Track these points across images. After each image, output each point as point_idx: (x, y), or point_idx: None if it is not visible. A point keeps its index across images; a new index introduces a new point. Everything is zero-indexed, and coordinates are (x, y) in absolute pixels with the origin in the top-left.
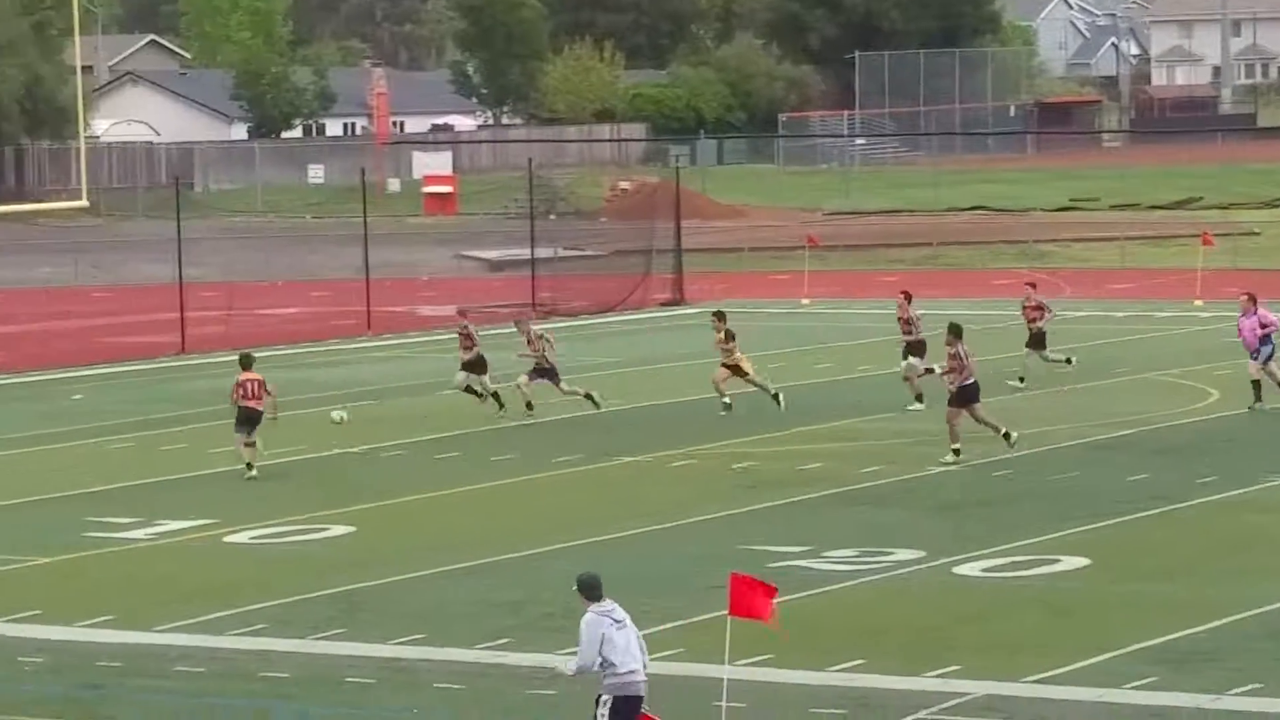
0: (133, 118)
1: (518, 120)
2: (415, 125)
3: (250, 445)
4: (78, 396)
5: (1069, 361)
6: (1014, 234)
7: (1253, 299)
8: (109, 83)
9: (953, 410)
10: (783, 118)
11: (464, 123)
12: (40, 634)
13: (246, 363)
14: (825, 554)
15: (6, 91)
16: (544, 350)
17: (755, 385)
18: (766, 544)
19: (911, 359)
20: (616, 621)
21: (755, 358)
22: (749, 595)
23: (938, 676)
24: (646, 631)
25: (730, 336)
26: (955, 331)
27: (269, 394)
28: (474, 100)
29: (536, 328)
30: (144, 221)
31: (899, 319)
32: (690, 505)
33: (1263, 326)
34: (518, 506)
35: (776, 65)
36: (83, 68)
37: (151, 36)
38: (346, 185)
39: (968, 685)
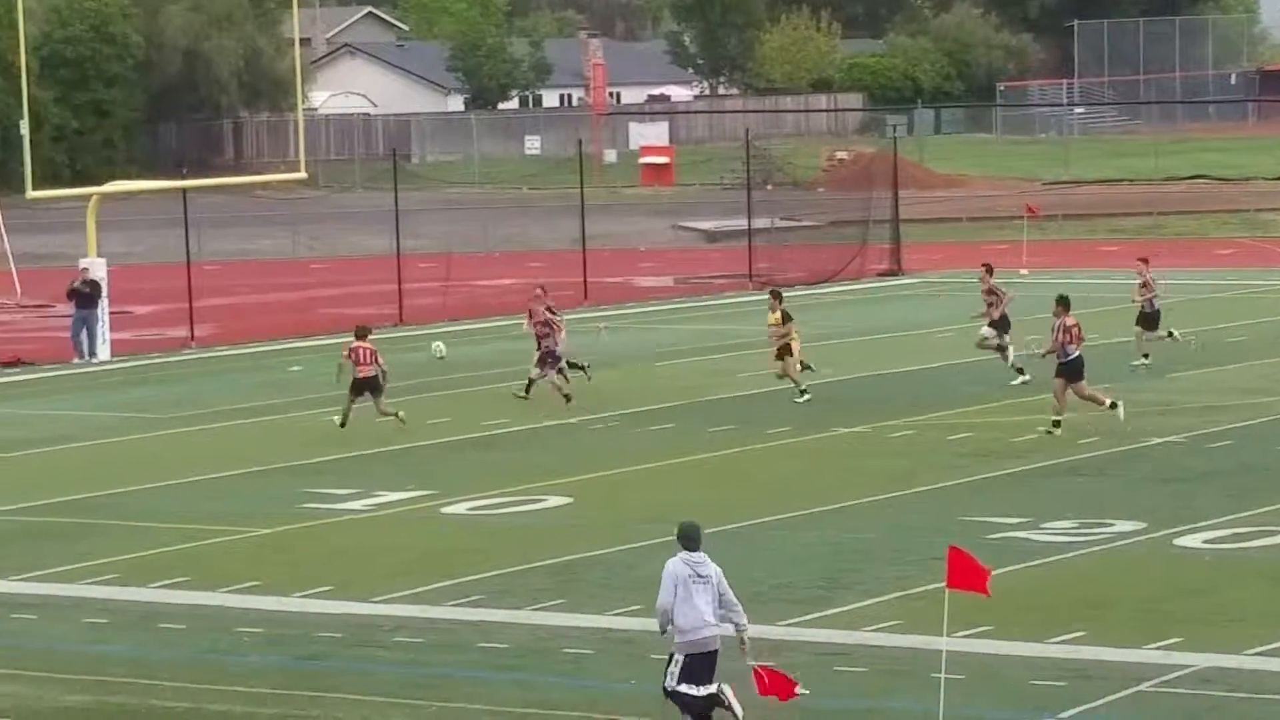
0: (350, 90)
1: (734, 90)
2: (631, 96)
3: (387, 414)
4: (296, 368)
5: (1170, 335)
6: (1236, 203)
7: None
8: (326, 55)
9: (1059, 383)
10: (1001, 87)
11: (680, 93)
12: (259, 605)
13: (361, 334)
14: (1044, 525)
15: (225, 64)
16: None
17: (788, 376)
18: (985, 515)
19: (985, 330)
20: (701, 576)
21: (971, 329)
22: (967, 567)
23: (1159, 649)
24: (866, 603)
25: (787, 318)
26: (1063, 303)
27: (379, 364)
28: (690, 70)
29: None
30: (361, 193)
31: (983, 291)
32: (908, 476)
33: None
34: (734, 478)
35: (995, 34)
36: (301, 40)
37: (369, 8)
38: (563, 156)
39: (1189, 657)
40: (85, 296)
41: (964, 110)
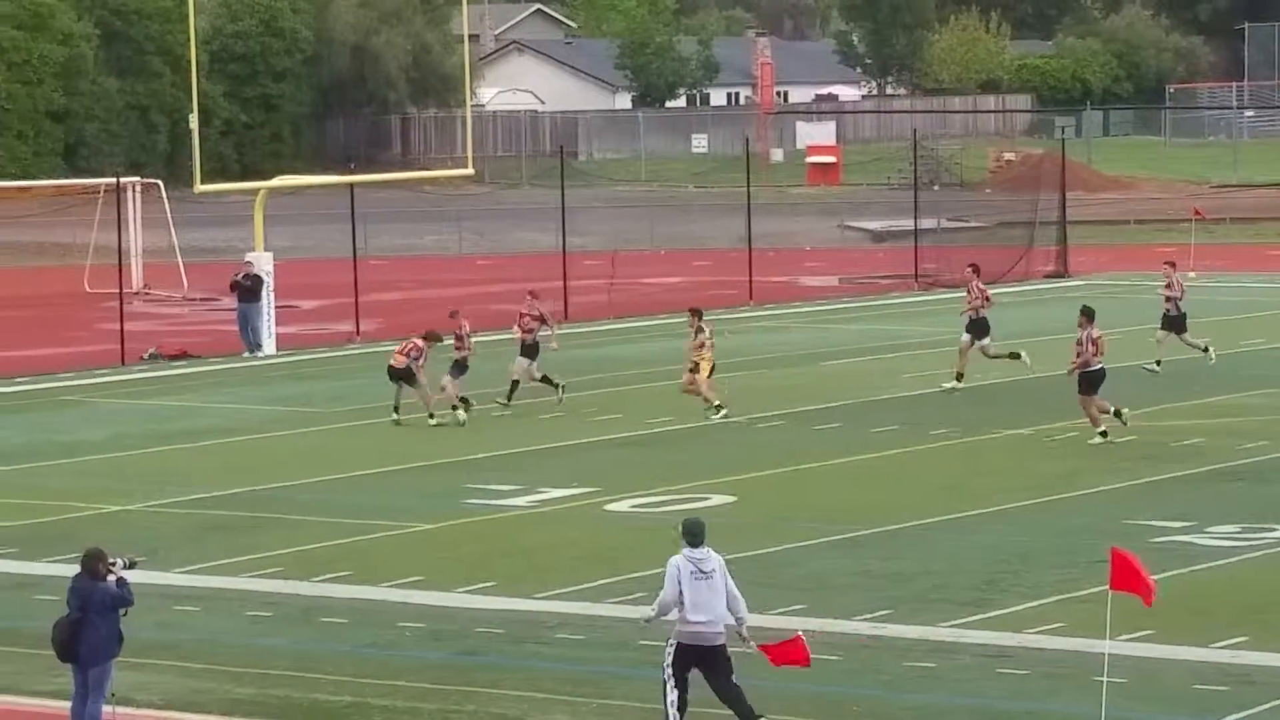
0: (518, 86)
1: (902, 90)
2: (799, 95)
3: (464, 403)
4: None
5: (1206, 350)
6: None
7: None
8: (495, 51)
9: (1084, 399)
10: (1170, 89)
11: (848, 93)
12: (421, 600)
13: (429, 337)
14: (1208, 530)
15: (393, 60)
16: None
17: (697, 392)
18: (1149, 519)
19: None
20: (704, 573)
21: (1137, 332)
22: (1130, 570)
23: None
24: (1028, 605)
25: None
26: (1087, 314)
27: (414, 360)
28: (858, 70)
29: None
30: (528, 190)
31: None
32: (1071, 478)
33: None
34: (897, 478)
35: (1165, 36)
36: (469, 36)
37: (537, 5)
38: (730, 155)
39: None
40: (247, 290)
41: (1133, 112)
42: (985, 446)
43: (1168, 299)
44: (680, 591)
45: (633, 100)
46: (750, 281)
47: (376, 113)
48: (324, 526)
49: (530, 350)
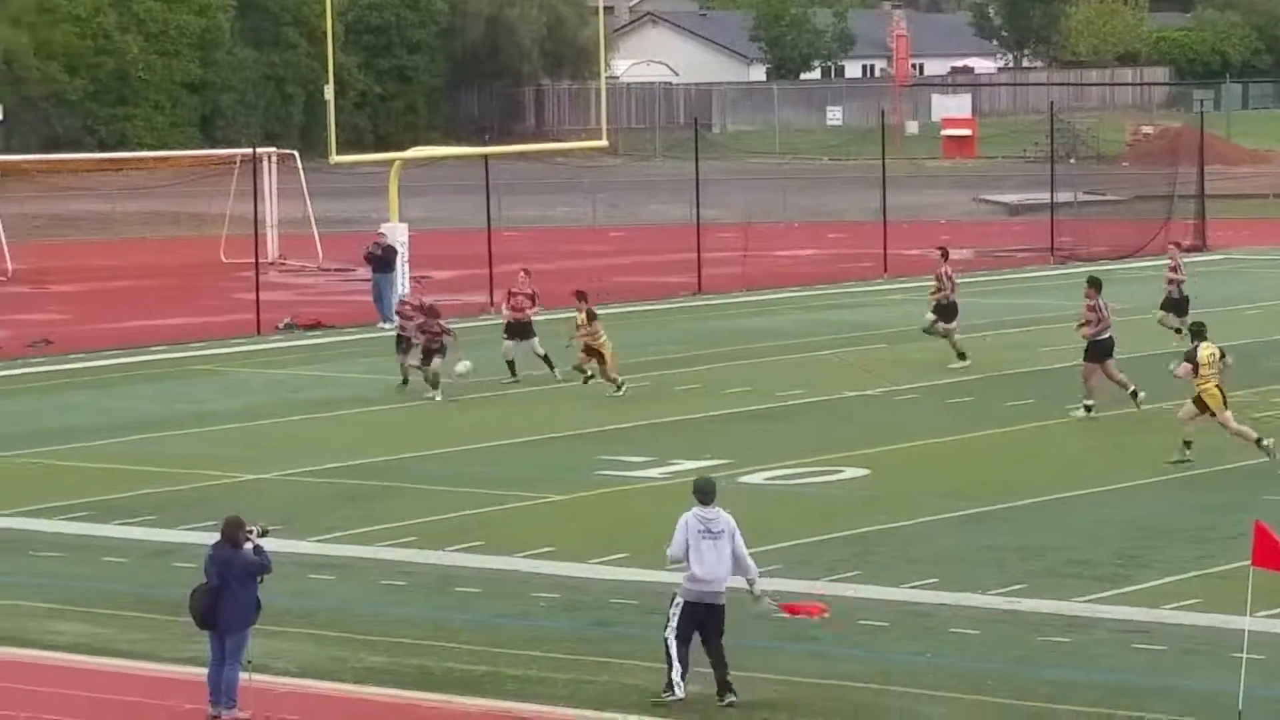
0: (652, 58)
1: (1038, 63)
2: (934, 67)
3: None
4: None
5: (1178, 331)
6: None
7: None
8: (629, 23)
9: (1088, 366)
10: None
11: (983, 65)
12: (554, 570)
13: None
14: None
15: (527, 33)
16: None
17: (604, 376)
18: None
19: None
20: (712, 533)
21: (1271, 308)
22: (1273, 546)
23: None
24: (1165, 581)
25: (592, 318)
26: (1094, 284)
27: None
28: (994, 43)
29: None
30: (661, 162)
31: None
32: (1210, 453)
33: None
34: (1032, 452)
35: None
36: (604, 8)
37: None
38: (864, 127)
39: None
40: (381, 261)
41: (1273, 85)
42: (1120, 421)
43: (1170, 281)
44: (687, 549)
45: (767, 72)
46: (885, 254)
47: (510, 84)
48: (456, 496)
49: (519, 330)
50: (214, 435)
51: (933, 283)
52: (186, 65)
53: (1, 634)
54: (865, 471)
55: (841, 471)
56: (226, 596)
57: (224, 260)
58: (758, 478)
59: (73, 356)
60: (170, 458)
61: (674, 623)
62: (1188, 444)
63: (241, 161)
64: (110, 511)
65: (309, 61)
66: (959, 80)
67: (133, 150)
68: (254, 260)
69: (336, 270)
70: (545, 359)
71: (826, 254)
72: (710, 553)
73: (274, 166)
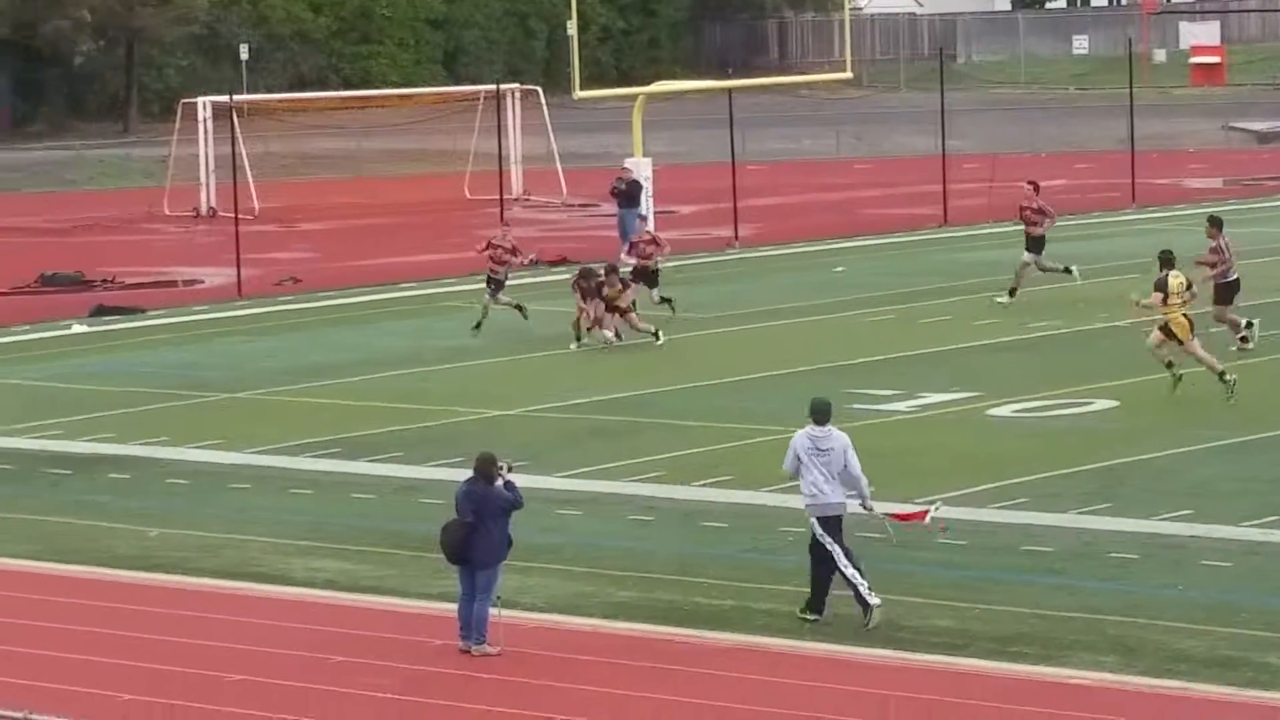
0: None
1: None
2: None
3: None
4: (840, 269)
5: (1068, 271)
6: None
7: None
8: None
9: (1219, 308)
10: None
11: None
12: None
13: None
14: None
15: None
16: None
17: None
18: None
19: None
20: (820, 450)
21: None
22: None
23: None
24: None
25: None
26: (1216, 223)
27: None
28: None
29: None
30: (906, 93)
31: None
32: None
33: None
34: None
35: None
36: None
37: None
38: (1111, 56)
39: None
40: (626, 196)
41: None
42: None
43: (1031, 223)
44: (801, 467)
45: (1012, 2)
46: (1133, 184)
47: (753, 17)
48: (705, 431)
49: (497, 284)
50: (463, 371)
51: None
52: (430, 2)
53: (261, 571)
54: (1115, 403)
55: (1091, 403)
56: (480, 532)
57: (468, 197)
58: (1006, 410)
59: (320, 294)
60: (419, 394)
61: (820, 535)
62: (1169, 365)
63: (485, 98)
64: (360, 448)
65: None
66: (1208, 7)
67: (377, 88)
68: (498, 196)
69: (580, 205)
70: (519, 307)
71: (1074, 184)
72: (818, 470)
73: (517, 103)
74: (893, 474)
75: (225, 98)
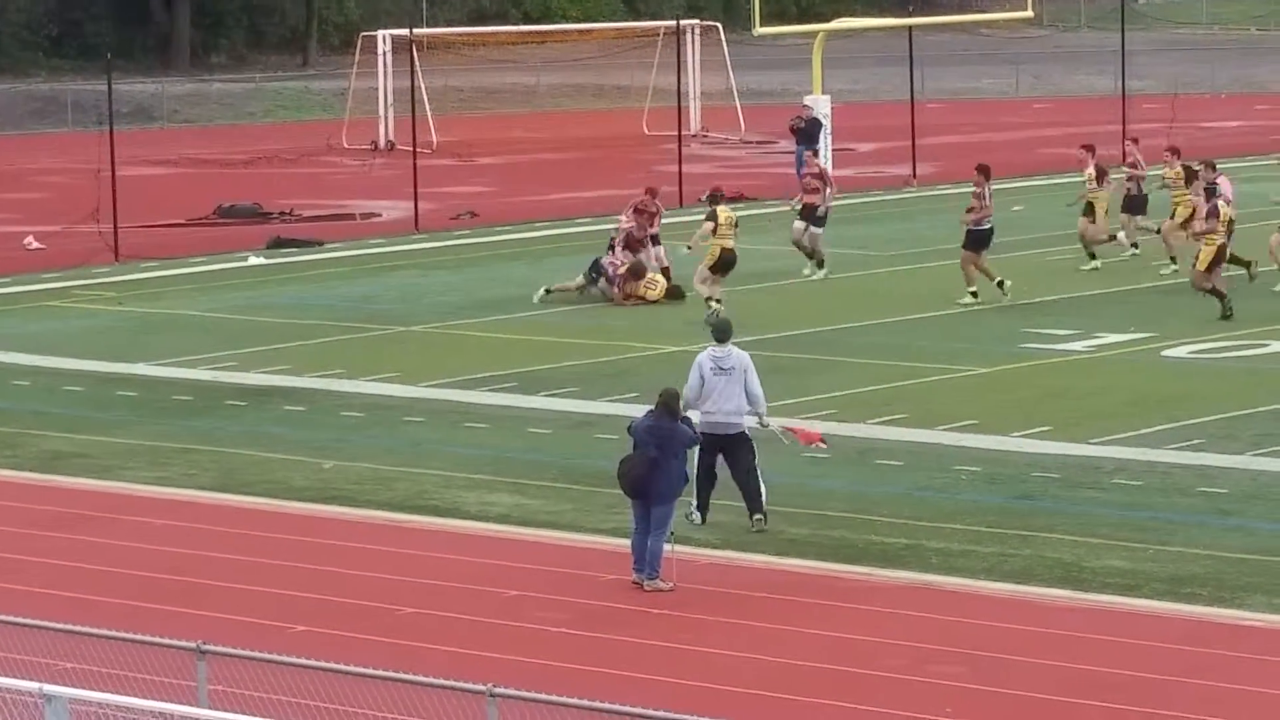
0: None
1: None
2: None
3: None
4: (1018, 208)
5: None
6: None
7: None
8: None
9: (966, 254)
10: None
11: None
12: (975, 443)
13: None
14: None
15: None
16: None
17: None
18: None
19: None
20: (723, 369)
21: None
22: None
23: None
24: None
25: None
26: (984, 171)
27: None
28: None
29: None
30: (1087, 33)
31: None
32: None
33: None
34: None
35: None
36: None
37: None
38: None
39: None
40: (805, 133)
41: None
42: None
43: (1130, 178)
44: (702, 385)
45: None
46: None
47: None
48: (879, 369)
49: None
50: (640, 306)
51: None
52: None
53: (435, 505)
54: None
55: (1268, 345)
56: (661, 467)
57: (647, 133)
58: (1182, 351)
59: (498, 229)
60: (595, 330)
61: (693, 457)
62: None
63: (665, 34)
64: (535, 383)
65: None
66: None
67: (556, 23)
68: (677, 133)
69: (759, 143)
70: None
71: (1254, 125)
72: (722, 386)
73: (697, 39)
74: (1069, 414)
75: (405, 31)
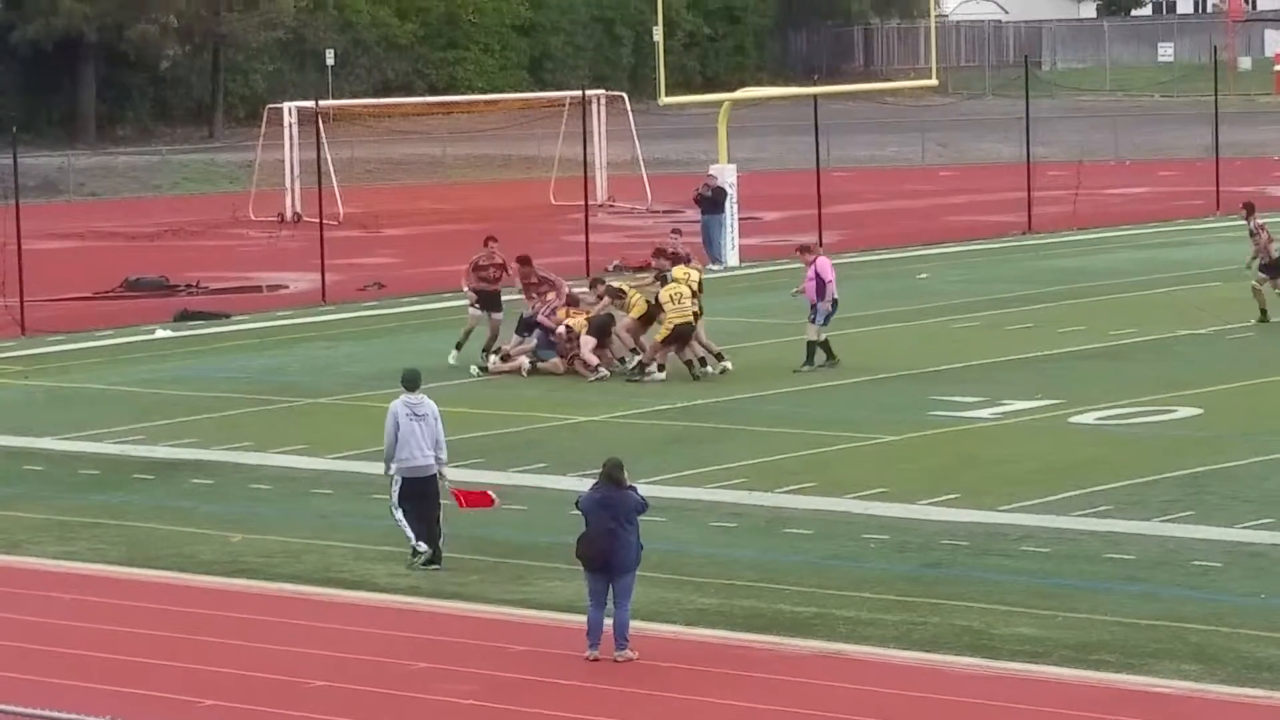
0: None
1: None
2: (1268, 2)
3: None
4: (923, 275)
5: None
6: None
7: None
8: None
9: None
10: None
11: None
12: (884, 511)
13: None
14: None
15: None
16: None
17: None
18: None
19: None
20: (418, 415)
21: None
22: None
23: None
24: None
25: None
26: (1249, 207)
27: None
28: None
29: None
30: (991, 100)
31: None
32: None
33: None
34: None
35: None
36: None
37: None
38: (1196, 64)
39: None
40: (710, 202)
41: None
42: None
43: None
44: (398, 430)
45: (1097, 9)
46: (1217, 192)
47: (839, 24)
48: (787, 437)
49: (490, 300)
50: (543, 379)
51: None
52: (516, 8)
53: (344, 577)
54: (1198, 411)
55: (1174, 411)
56: (620, 538)
57: (554, 202)
58: (1090, 418)
59: (405, 300)
60: (503, 399)
61: (394, 497)
62: None
63: (571, 104)
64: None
65: (638, 2)
66: None
67: (463, 94)
68: (584, 202)
69: (665, 212)
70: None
71: (1159, 192)
72: (418, 432)
73: (603, 109)
74: (977, 482)
75: (311, 103)
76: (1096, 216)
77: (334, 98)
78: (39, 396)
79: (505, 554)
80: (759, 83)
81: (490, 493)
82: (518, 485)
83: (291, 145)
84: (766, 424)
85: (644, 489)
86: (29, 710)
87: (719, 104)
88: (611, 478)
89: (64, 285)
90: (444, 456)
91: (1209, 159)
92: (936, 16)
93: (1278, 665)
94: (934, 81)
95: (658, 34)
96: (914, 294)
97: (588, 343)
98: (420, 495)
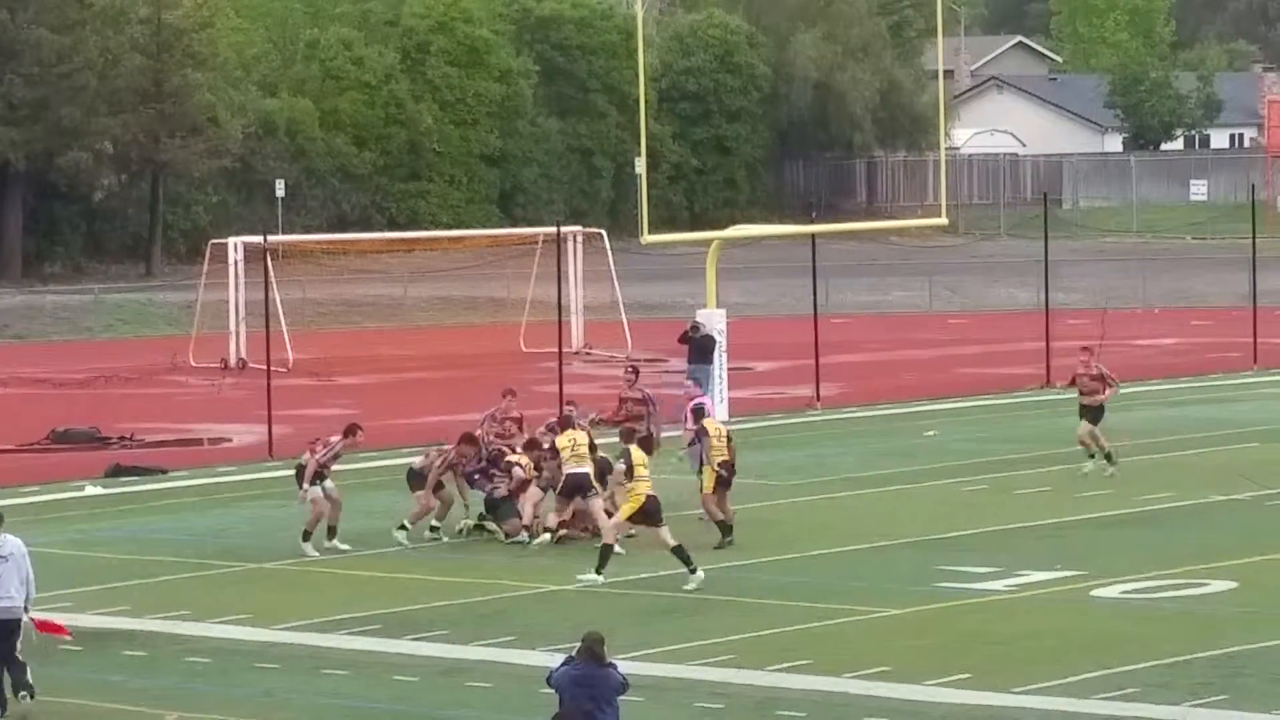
0: (996, 127)
1: None
2: None
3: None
4: (931, 433)
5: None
6: None
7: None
8: (971, 88)
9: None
10: None
11: None
12: (886, 692)
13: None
14: None
15: (859, 99)
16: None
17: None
18: None
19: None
20: (3, 556)
21: None
22: None
23: None
24: None
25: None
26: None
27: None
28: None
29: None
30: (1006, 241)
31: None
32: None
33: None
34: None
35: None
36: (944, 72)
37: (1019, 38)
38: (1232, 203)
39: None
40: (697, 349)
41: None
42: None
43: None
44: None
45: (1123, 142)
46: (1255, 343)
47: (840, 156)
48: (781, 610)
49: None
50: (512, 545)
51: None
52: (485, 136)
53: None
54: (1233, 584)
55: (1207, 584)
56: (599, 718)
57: (524, 349)
58: (1114, 591)
59: (361, 455)
60: (464, 566)
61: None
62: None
63: (544, 241)
64: (401, 625)
65: (618, 132)
66: None
67: (425, 229)
68: (557, 350)
69: (647, 360)
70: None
71: (1190, 343)
72: (5, 573)
73: (579, 247)
74: (989, 660)
75: (259, 238)
76: (1123, 369)
77: (284, 232)
78: None
79: None
80: (751, 220)
81: (65, 626)
82: (483, 660)
83: (237, 284)
84: (758, 595)
85: (621, 666)
86: None
87: (707, 243)
88: (592, 653)
89: None
90: (32, 594)
91: (1245, 308)
92: (947, 149)
93: None
94: (944, 220)
95: (640, 165)
96: (920, 453)
97: (533, 496)
98: (3, 639)
